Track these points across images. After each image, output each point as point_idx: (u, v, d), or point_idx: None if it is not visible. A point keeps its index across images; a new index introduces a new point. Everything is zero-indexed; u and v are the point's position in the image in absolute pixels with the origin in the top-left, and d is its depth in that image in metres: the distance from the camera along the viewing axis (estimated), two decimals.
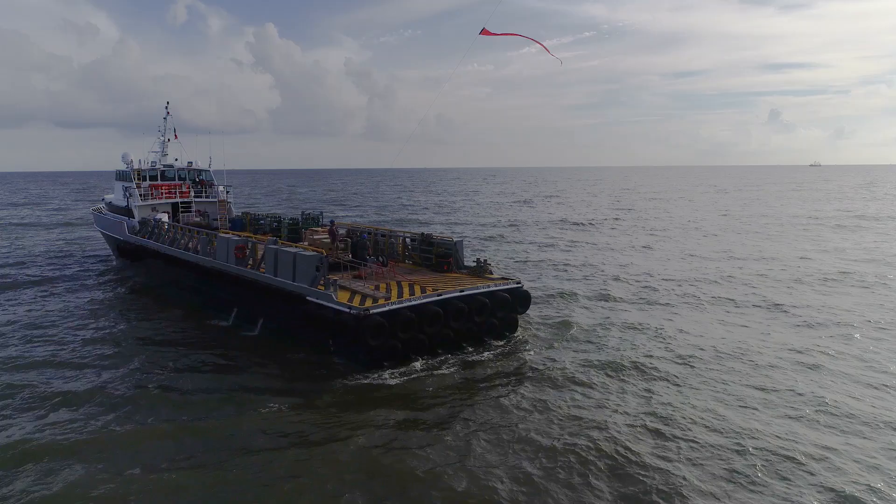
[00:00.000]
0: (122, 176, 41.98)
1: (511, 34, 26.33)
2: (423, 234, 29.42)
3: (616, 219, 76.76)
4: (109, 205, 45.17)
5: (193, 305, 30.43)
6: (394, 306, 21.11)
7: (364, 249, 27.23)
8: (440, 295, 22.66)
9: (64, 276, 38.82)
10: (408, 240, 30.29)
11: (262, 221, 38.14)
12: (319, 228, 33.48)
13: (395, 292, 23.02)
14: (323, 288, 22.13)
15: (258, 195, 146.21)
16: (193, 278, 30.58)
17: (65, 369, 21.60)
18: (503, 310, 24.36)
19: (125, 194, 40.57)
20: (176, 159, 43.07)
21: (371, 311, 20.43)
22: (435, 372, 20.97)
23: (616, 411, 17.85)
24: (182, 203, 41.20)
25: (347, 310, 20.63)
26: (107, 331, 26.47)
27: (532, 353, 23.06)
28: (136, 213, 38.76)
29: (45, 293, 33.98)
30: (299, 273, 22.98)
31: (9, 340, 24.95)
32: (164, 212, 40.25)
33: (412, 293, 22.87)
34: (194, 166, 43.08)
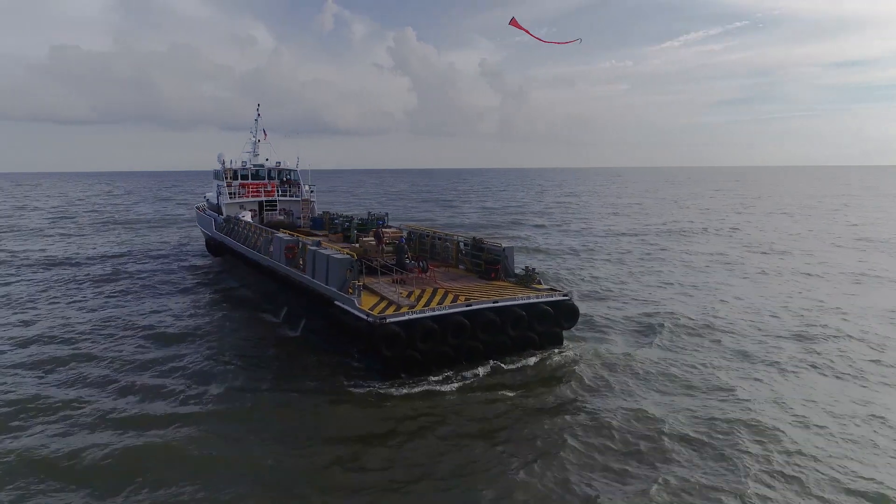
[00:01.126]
0: (217, 175, 44.59)
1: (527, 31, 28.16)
2: (474, 238, 28.21)
3: (733, 228, 69.48)
4: (208, 203, 48.25)
5: (254, 301, 31.42)
6: (413, 315, 20.21)
7: (403, 253, 26.54)
8: (469, 305, 21.43)
9: (161, 269, 41.84)
10: (462, 244, 29.25)
11: (335, 221, 38.76)
12: (389, 228, 33.37)
13: (424, 300, 22.11)
14: (352, 292, 21.75)
15: (373, 194, 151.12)
16: (256, 275, 31.60)
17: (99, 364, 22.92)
18: (544, 323, 22.65)
19: (217, 192, 43.03)
20: (266, 159, 45.04)
21: (387, 320, 19.68)
22: (448, 386, 19.88)
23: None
24: (267, 201, 42.97)
25: (365, 317, 20.05)
26: (162, 322, 27.80)
27: (571, 380, 20.96)
28: (224, 210, 40.95)
29: (133, 286, 36.77)
30: (331, 276, 22.75)
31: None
32: (251, 210, 42.21)
33: (443, 301, 21.84)
34: (282, 166, 44.79)
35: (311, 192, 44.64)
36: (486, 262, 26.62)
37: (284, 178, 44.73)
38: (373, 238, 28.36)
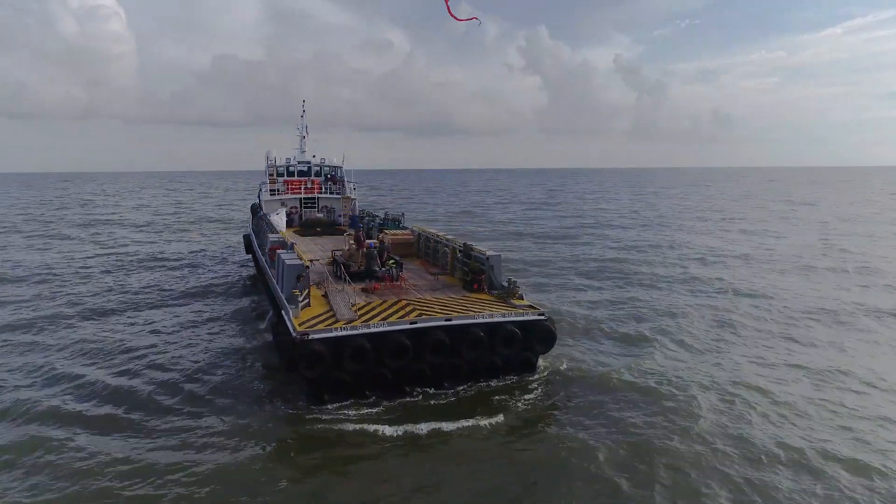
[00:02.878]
0: (266, 172, 44.93)
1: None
2: (464, 244, 25.50)
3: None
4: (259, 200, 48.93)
5: (252, 305, 30.70)
6: (343, 332, 18.18)
7: (372, 259, 24.42)
8: (414, 323, 19.02)
9: (202, 265, 42.82)
10: (458, 251, 26.63)
11: (364, 220, 37.53)
12: (396, 232, 31.55)
13: (373, 314, 19.99)
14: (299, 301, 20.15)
15: (466, 193, 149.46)
16: (260, 277, 30.99)
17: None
18: (511, 346, 19.72)
19: (259, 190, 43.32)
20: (314, 156, 44.73)
21: (310, 337, 17.80)
22: (367, 411, 17.79)
23: None
24: (305, 199, 42.61)
25: (291, 332, 18.27)
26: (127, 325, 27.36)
27: (534, 409, 18.06)
28: (263, 207, 41.07)
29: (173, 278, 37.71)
30: (285, 282, 21.25)
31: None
32: (292, 207, 42.08)
33: (393, 317, 19.59)
34: (327, 163, 44.26)
35: (354, 189, 43.75)
36: (472, 271, 23.96)
37: (328, 176, 44.17)
38: (354, 242, 26.57)
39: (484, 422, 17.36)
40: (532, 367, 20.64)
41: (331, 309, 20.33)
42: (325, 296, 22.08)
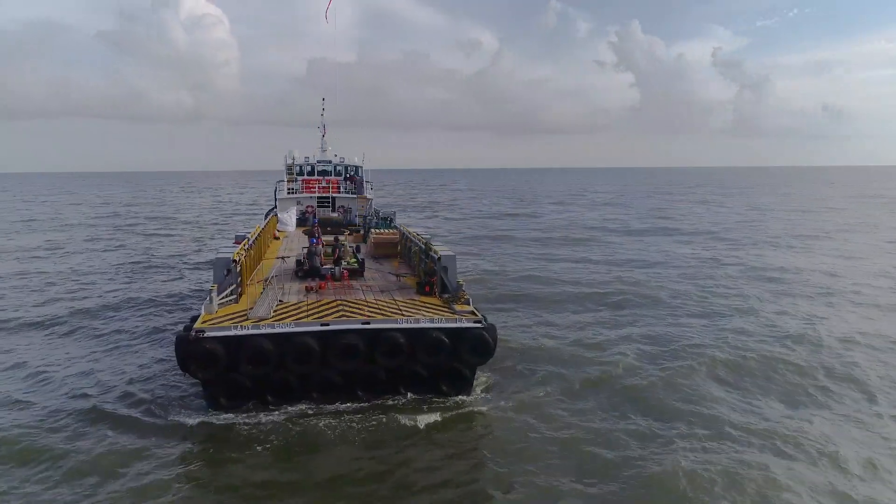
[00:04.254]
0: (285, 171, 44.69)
1: None
2: (426, 243, 23.50)
3: None
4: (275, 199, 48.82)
5: None
6: (240, 332, 16.80)
7: (313, 256, 22.89)
8: (325, 325, 17.36)
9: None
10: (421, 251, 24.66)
11: (365, 220, 36.62)
12: (383, 231, 30.07)
13: (292, 312, 18.53)
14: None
15: (535, 194, 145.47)
16: None
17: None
18: (436, 356, 17.64)
19: (276, 188, 43.10)
20: (335, 155, 44.11)
21: (205, 335, 16.55)
22: (267, 419, 16.34)
23: None
24: (320, 198, 41.96)
25: (190, 328, 17.08)
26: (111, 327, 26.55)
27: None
28: (278, 206, 40.81)
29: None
30: (214, 276, 20.21)
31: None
32: (308, 206, 41.61)
33: (317, 316, 18.06)
34: (346, 162, 43.50)
35: (371, 189, 42.73)
36: (426, 272, 22.02)
37: (348, 175, 43.38)
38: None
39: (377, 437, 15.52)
40: (465, 381, 18.39)
41: (252, 308, 19.05)
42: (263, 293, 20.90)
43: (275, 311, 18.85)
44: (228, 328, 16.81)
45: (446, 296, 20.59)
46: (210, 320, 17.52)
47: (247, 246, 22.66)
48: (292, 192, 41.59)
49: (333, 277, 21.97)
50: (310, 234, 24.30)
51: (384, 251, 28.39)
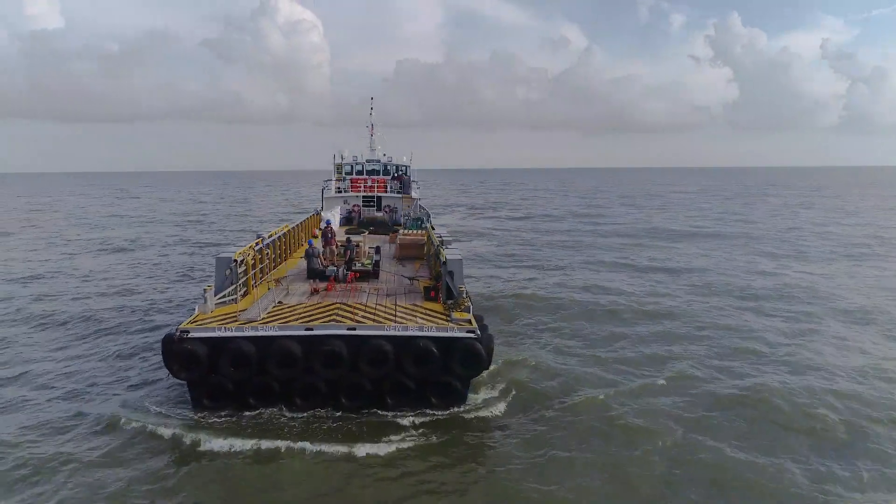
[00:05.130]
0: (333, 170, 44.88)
1: None
2: (438, 246, 22.52)
3: None
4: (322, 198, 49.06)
5: None
6: (222, 333, 16.56)
7: (312, 258, 22.35)
8: (309, 329, 16.83)
9: None
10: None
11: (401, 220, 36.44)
12: (410, 232, 29.39)
13: (285, 315, 18.16)
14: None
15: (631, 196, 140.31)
16: None
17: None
18: (424, 366, 16.73)
19: (323, 187, 43.33)
20: (384, 154, 43.92)
21: (189, 335, 16.43)
22: (244, 423, 15.95)
23: None
24: (365, 197, 41.83)
25: (175, 329, 17.01)
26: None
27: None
28: (323, 205, 41.05)
29: None
30: (215, 275, 20.20)
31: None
32: (355, 206, 41.67)
33: (306, 319, 17.64)
34: (394, 161, 43.20)
35: (417, 188, 42.22)
36: (434, 277, 21.16)
37: (395, 175, 43.05)
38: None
39: (363, 450, 14.83)
40: (457, 396, 17.36)
41: (245, 310, 18.85)
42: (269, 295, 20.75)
43: (270, 312, 18.58)
44: (212, 329, 16.62)
45: (450, 302, 19.60)
46: (200, 320, 17.43)
47: (259, 245, 22.57)
48: (340, 192, 41.76)
49: (337, 280, 21.49)
50: (326, 237, 23.94)
51: (409, 252, 27.71)
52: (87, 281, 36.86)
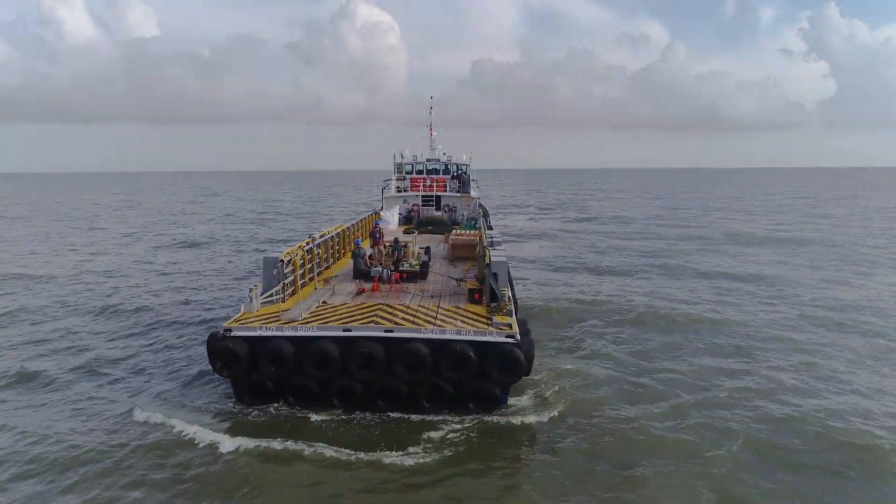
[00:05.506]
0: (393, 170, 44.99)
1: None
2: (485, 246, 22.03)
3: None
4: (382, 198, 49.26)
5: None
6: (262, 332, 16.82)
7: (358, 258, 22.25)
8: (347, 330, 16.83)
9: None
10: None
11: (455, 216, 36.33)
12: (462, 232, 29.06)
13: (327, 316, 18.26)
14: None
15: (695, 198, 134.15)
16: None
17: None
18: (461, 371, 16.40)
19: (383, 187, 43.62)
20: (444, 153, 43.76)
21: (231, 334, 16.79)
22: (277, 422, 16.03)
23: None
24: (424, 196, 41.78)
25: (219, 327, 17.42)
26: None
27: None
28: (384, 204, 41.36)
29: None
30: (262, 275, 20.59)
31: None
32: (414, 205, 41.77)
33: (346, 320, 17.67)
34: (454, 161, 42.96)
35: (477, 188, 41.83)
36: (479, 279, 20.74)
37: (455, 174, 42.80)
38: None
39: (391, 456, 14.65)
40: (494, 400, 16.92)
41: (287, 310, 19.08)
42: (318, 294, 21.05)
43: (313, 312, 18.74)
44: (253, 328, 16.91)
45: (493, 305, 19.15)
46: (244, 319, 17.79)
47: (309, 245, 22.87)
48: (400, 191, 41.97)
49: (381, 280, 21.44)
50: (374, 237, 23.98)
51: (461, 253, 27.39)
52: (163, 274, 38.86)
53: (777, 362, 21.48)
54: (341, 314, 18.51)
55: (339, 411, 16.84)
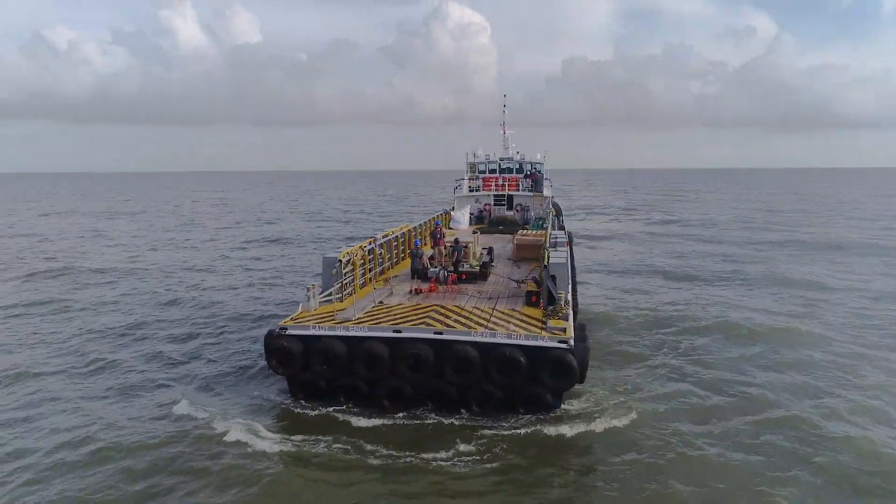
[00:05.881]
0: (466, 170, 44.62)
1: None
2: (547, 248, 21.37)
3: None
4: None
5: None
6: (315, 331, 17.09)
7: (416, 259, 22.02)
8: (397, 332, 16.82)
9: None
10: None
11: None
12: (528, 232, 28.46)
13: (381, 317, 18.33)
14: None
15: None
16: None
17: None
18: (511, 375, 16.03)
19: (455, 186, 43.36)
20: (517, 152, 43.08)
21: (287, 332, 17.19)
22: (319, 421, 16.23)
23: None
24: (496, 196, 41.25)
25: (276, 325, 17.84)
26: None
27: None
28: (455, 204, 41.19)
29: None
30: (322, 275, 20.97)
31: None
32: (486, 205, 41.42)
33: (400, 321, 17.69)
34: (527, 159, 42.19)
35: (550, 187, 40.85)
36: (536, 281, 20.19)
37: (528, 173, 41.99)
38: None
39: (434, 461, 14.49)
40: (545, 407, 16.40)
41: (341, 310, 19.30)
42: (376, 293, 21.27)
43: (368, 312, 18.87)
44: (307, 327, 17.21)
45: (550, 308, 18.57)
46: (300, 318, 18.17)
47: (370, 245, 23.11)
48: (472, 190, 41.71)
49: (437, 281, 21.29)
50: (434, 238, 23.88)
51: (526, 254, 26.81)
52: (246, 270, 40.78)
53: (869, 385, 19.49)
54: (395, 315, 18.53)
55: (392, 413, 16.81)
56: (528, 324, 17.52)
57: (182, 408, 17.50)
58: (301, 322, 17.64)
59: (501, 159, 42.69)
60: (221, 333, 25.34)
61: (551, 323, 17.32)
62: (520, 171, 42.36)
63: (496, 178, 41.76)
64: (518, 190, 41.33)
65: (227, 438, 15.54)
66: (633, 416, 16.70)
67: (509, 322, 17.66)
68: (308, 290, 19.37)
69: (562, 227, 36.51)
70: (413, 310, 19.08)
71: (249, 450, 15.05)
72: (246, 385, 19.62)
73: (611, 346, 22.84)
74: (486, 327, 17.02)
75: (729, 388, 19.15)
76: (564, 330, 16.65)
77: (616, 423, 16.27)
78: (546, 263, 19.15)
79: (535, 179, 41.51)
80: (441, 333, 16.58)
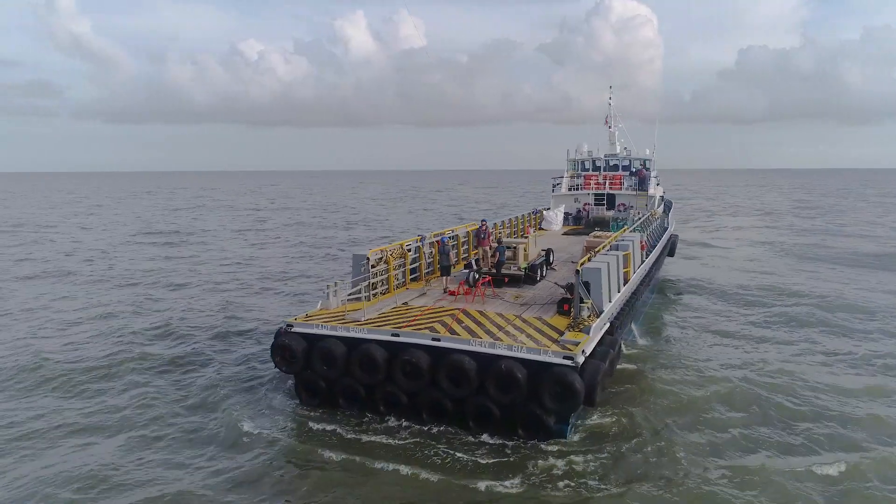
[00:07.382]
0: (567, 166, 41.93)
1: None
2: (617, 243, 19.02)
3: None
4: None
5: None
6: (317, 330, 16.51)
7: (446, 256, 20.39)
8: (396, 335, 15.75)
9: None
10: None
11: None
12: (600, 234, 25.85)
13: (393, 317, 17.37)
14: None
15: None
16: None
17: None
18: (509, 392, 14.31)
19: (553, 183, 40.88)
20: (625, 148, 39.82)
21: (293, 329, 16.82)
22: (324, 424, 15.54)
23: None
24: (595, 194, 38.25)
25: (284, 322, 17.48)
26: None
27: None
28: (552, 203, 38.95)
29: None
30: (352, 272, 20.38)
31: None
32: (585, 204, 38.84)
33: (413, 325, 16.66)
34: (634, 155, 38.75)
35: (657, 185, 37.10)
36: (568, 288, 18.08)
37: (633, 170, 38.50)
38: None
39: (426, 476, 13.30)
40: (545, 430, 14.38)
41: (358, 310, 18.49)
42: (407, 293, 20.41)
43: (385, 313, 17.99)
44: (311, 325, 16.70)
45: (579, 318, 16.41)
46: (312, 316, 17.72)
47: (413, 244, 22.25)
48: (571, 189, 39.21)
49: (466, 283, 19.75)
50: (479, 237, 22.35)
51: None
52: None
53: None
54: (408, 317, 17.45)
55: (402, 422, 15.81)
56: (544, 334, 15.58)
57: (193, 406, 17.66)
58: (310, 320, 17.18)
59: (606, 156, 39.71)
60: (240, 332, 24.87)
61: (568, 335, 15.23)
62: (626, 168, 39.12)
63: (595, 176, 38.84)
64: (621, 188, 38.13)
65: (237, 437, 15.40)
66: (659, 451, 14.15)
67: (523, 332, 15.84)
68: (328, 287, 18.89)
69: (665, 228, 33.07)
70: (431, 312, 17.88)
71: (257, 450, 14.77)
72: (258, 385, 19.28)
73: (667, 366, 19.80)
74: (494, 336, 15.40)
75: (795, 421, 15.65)
76: (577, 344, 14.53)
77: (637, 458, 13.89)
78: (578, 269, 16.97)
79: (641, 178, 37.98)
80: (439, 340, 15.22)
